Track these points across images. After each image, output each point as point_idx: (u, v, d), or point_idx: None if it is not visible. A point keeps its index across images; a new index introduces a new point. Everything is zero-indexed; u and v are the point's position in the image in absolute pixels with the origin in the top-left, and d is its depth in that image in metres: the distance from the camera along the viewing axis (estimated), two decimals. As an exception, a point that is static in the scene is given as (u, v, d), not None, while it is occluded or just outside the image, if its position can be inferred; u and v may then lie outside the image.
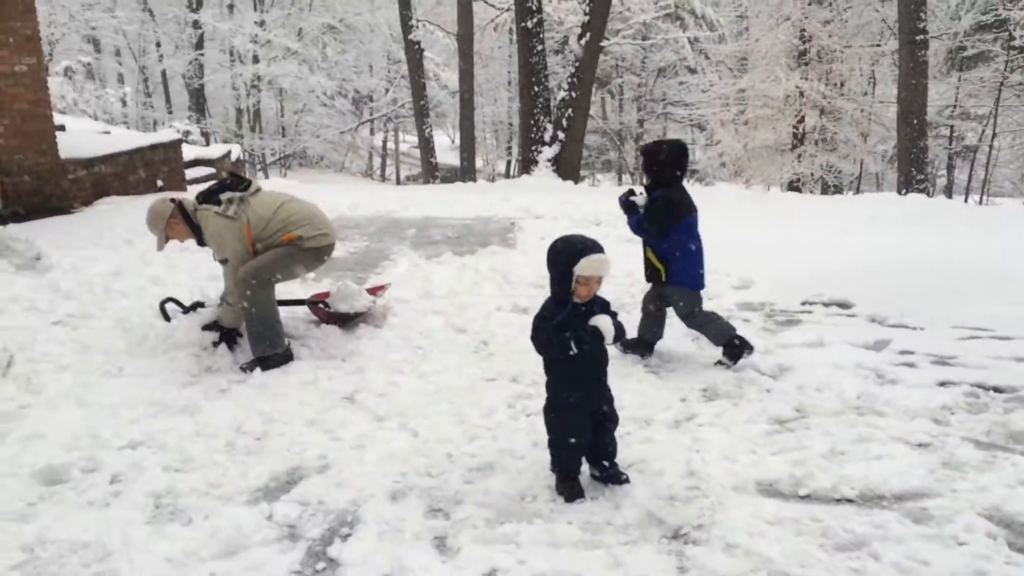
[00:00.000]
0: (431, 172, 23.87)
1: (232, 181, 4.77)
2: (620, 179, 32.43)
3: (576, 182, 13.51)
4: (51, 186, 9.09)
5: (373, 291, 5.48)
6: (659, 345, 4.82)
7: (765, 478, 3.32)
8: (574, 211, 8.65)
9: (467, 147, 23.79)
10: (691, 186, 25.79)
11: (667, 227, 4.55)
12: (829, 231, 7.52)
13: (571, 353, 3.12)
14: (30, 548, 2.95)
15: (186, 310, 5.39)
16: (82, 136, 11.32)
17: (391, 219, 8.81)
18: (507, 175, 35.42)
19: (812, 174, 21.50)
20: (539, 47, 13.46)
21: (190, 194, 10.57)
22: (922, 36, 16.29)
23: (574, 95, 13.14)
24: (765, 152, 22.30)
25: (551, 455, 3.33)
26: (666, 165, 4.54)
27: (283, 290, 5.82)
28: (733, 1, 30.59)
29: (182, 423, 3.92)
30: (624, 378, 4.36)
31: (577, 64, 13.12)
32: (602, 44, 13.85)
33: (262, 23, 32.04)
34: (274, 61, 32.18)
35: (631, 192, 4.70)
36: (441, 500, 3.27)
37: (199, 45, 33.44)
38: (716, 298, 5.74)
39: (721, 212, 8.76)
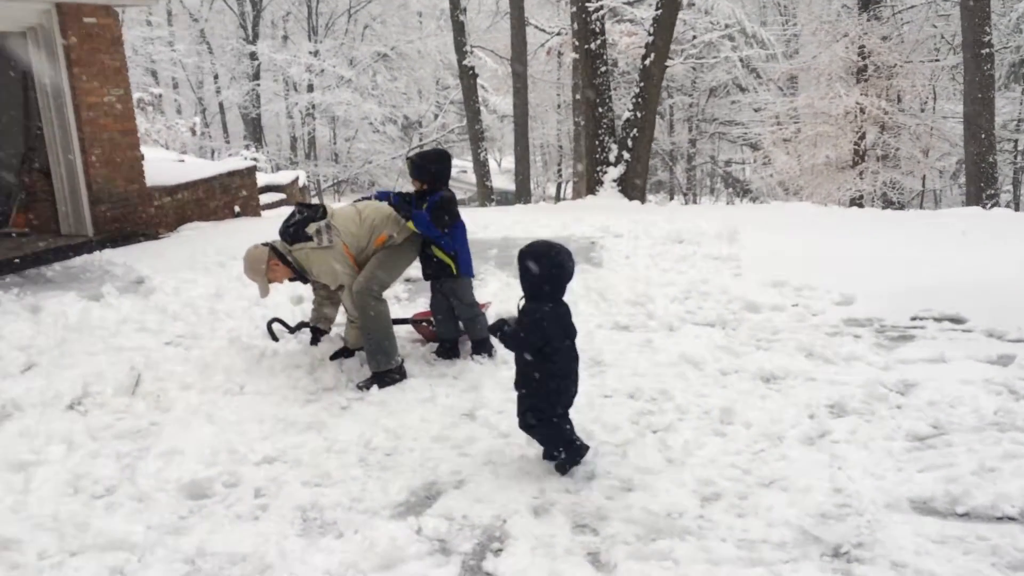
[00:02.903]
0: (487, 195, 24.02)
1: (307, 212, 4.81)
2: (672, 198, 32.24)
3: (643, 202, 13.47)
4: (138, 213, 9.33)
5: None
6: (773, 362, 4.74)
7: (918, 496, 3.24)
8: (654, 230, 8.59)
9: (522, 169, 23.89)
10: (744, 204, 25.46)
11: (453, 222, 4.93)
12: (922, 245, 7.35)
13: None
14: (191, 560, 3.00)
15: (292, 330, 5.49)
16: (161, 164, 11.59)
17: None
18: (557, 198, 35.52)
19: (875, 191, 21.19)
20: (602, 68, 13.50)
21: (264, 220, 10.78)
22: (987, 49, 15.97)
23: (639, 115, 13.12)
24: (825, 170, 22.05)
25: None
26: (437, 170, 4.91)
27: (401, 312, 5.91)
28: (784, 21, 30.55)
29: (311, 439, 3.96)
30: (747, 394, 4.31)
31: (641, 84, 13.13)
32: (666, 64, 13.84)
33: (316, 53, 32.67)
34: (328, 90, 32.73)
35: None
36: (585, 516, 3.25)
37: (256, 76, 34.22)
38: (819, 314, 5.65)
39: (805, 228, 8.68)
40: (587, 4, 13.09)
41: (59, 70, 8.42)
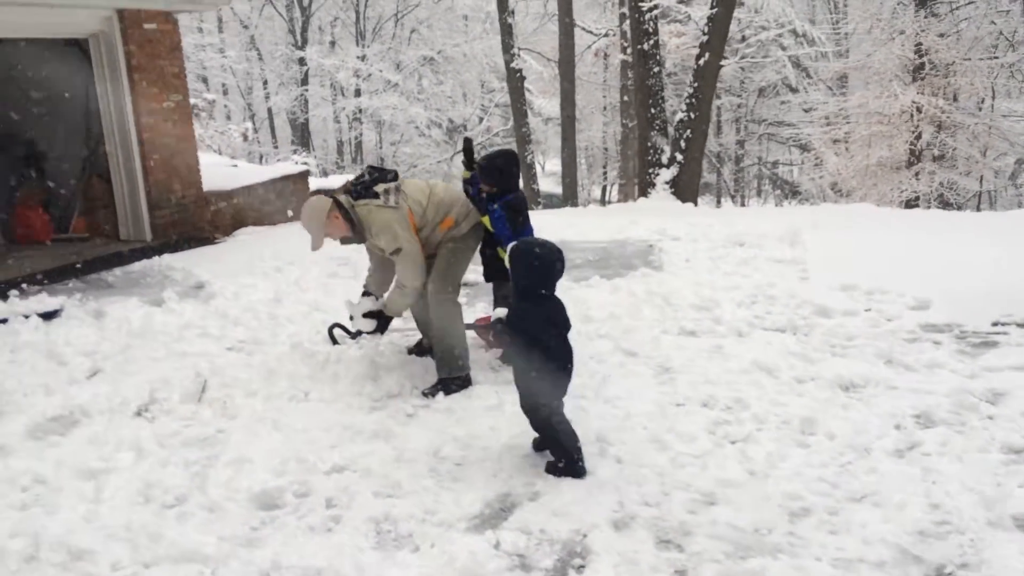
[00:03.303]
0: (534, 198, 23.92)
1: (378, 174, 4.67)
2: (719, 200, 31.83)
3: (695, 204, 13.26)
4: (196, 218, 9.41)
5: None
6: (850, 370, 4.56)
7: (1022, 513, 3.06)
8: (712, 233, 8.42)
9: (569, 172, 23.78)
10: (794, 206, 25.01)
11: (524, 225, 4.76)
12: (994, 248, 7.05)
13: None
14: (266, 573, 2.93)
15: (353, 336, 5.44)
16: (215, 169, 11.66)
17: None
18: (602, 200, 35.28)
19: (931, 192, 20.64)
20: (656, 69, 13.32)
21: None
22: (1053, 45, 15.42)
23: (692, 116, 12.90)
24: (879, 171, 21.56)
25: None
26: (506, 171, 4.73)
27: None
28: (834, 20, 30.00)
29: (379, 448, 3.89)
30: (827, 403, 4.15)
31: (696, 85, 12.92)
32: (721, 64, 13.62)
33: (364, 57, 32.88)
34: (375, 94, 32.92)
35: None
36: (668, 531, 3.12)
37: (304, 81, 34.55)
38: (895, 319, 5.44)
39: (868, 230, 8.42)
40: (640, 4, 12.92)
41: (120, 76, 8.50)
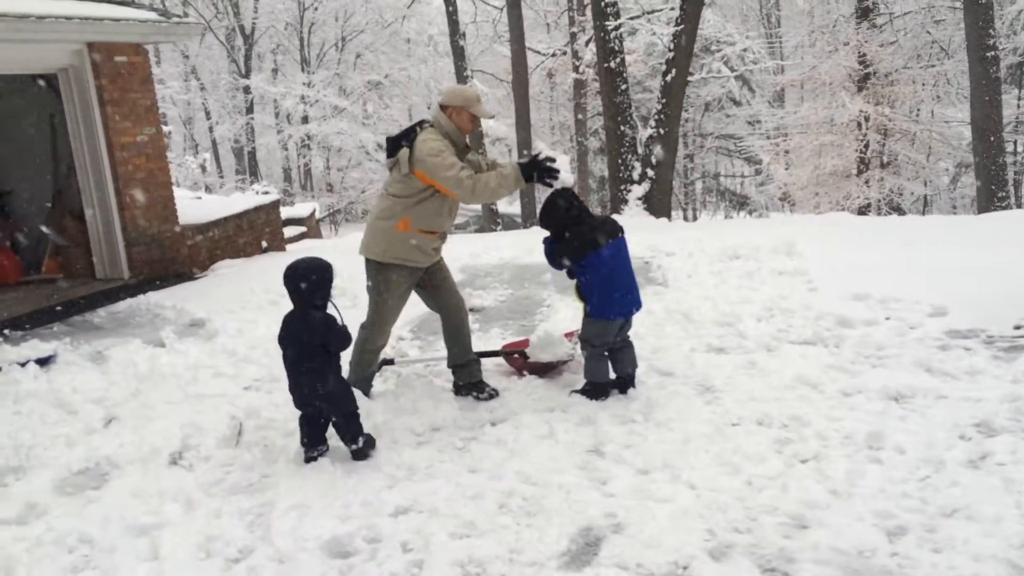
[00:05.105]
0: (492, 219, 23.90)
1: None
2: (669, 216, 32.13)
3: (669, 219, 13.35)
4: (173, 253, 9.10)
5: (568, 336, 5.30)
6: (894, 380, 4.55)
7: (1120, 518, 3.05)
8: (706, 247, 8.43)
9: (527, 191, 23.74)
10: (743, 218, 25.38)
11: (563, 263, 4.63)
12: (990, 251, 7.18)
13: None
14: (364, 630, 2.76)
15: (377, 367, 5.26)
16: (185, 202, 11.35)
17: (519, 265, 8.67)
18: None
19: (882, 198, 21.16)
20: (623, 86, 13.42)
21: (291, 255, 10.45)
22: (992, 52, 16.02)
23: (662, 132, 13.02)
24: (830, 180, 22.05)
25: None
26: (552, 225, 4.61)
27: (477, 343, 5.71)
28: (769, 34, 30.79)
29: (440, 485, 3.72)
30: (883, 416, 4.11)
31: (664, 101, 13.04)
32: (688, 79, 13.77)
33: (310, 84, 32.54)
34: (323, 120, 32.59)
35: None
36: (770, 559, 3.03)
37: (249, 110, 34.03)
38: (918, 327, 5.47)
39: (858, 239, 8.52)
40: (606, 23, 13.00)
41: (92, 111, 8.20)
